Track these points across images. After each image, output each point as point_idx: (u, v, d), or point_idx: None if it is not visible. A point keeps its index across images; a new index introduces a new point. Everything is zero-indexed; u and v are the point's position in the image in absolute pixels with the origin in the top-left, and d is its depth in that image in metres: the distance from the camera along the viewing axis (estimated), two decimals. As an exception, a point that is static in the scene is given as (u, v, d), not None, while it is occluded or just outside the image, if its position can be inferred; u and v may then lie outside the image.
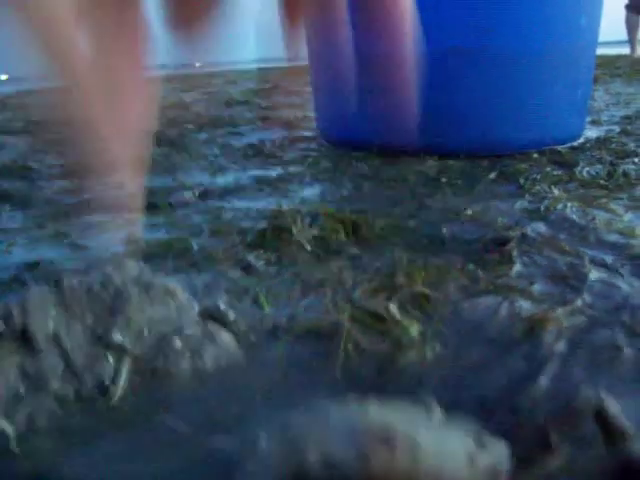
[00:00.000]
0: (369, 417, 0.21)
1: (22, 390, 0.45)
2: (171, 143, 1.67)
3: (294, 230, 0.78)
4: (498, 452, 0.26)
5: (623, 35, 6.08)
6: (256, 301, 0.62)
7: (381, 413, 0.22)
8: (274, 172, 1.27)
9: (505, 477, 0.26)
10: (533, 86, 1.26)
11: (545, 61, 1.25)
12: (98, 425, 0.44)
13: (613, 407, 0.39)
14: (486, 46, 1.20)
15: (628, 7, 5.88)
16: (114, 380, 0.48)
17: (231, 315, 0.56)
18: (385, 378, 0.48)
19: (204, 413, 0.45)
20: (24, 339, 0.47)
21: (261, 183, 1.17)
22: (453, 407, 0.37)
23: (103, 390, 0.47)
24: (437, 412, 0.33)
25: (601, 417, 0.38)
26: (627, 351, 0.52)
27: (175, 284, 0.54)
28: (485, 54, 1.20)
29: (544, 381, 0.47)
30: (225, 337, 0.53)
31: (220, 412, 0.44)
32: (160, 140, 1.65)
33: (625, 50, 6.23)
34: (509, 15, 1.21)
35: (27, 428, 0.43)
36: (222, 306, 0.57)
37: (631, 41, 6.01)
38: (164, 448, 0.41)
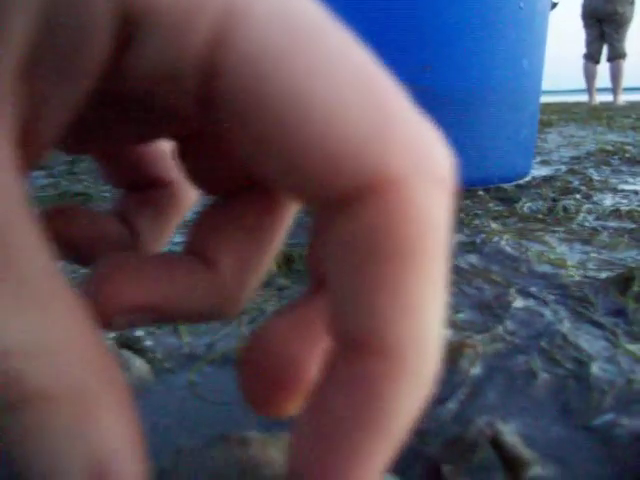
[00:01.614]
0: (247, 460, 0.21)
1: None
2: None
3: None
4: None
5: (582, 84, 6.27)
6: (175, 330, 0.61)
7: (263, 453, 0.22)
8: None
9: None
10: (475, 126, 1.28)
11: (487, 102, 1.28)
12: None
13: (509, 436, 0.39)
14: (425, 85, 1.22)
15: (586, 56, 6.12)
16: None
17: (147, 342, 0.56)
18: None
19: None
20: None
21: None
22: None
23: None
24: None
25: (498, 446, 0.38)
26: (542, 376, 0.52)
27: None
28: (425, 93, 1.21)
29: (452, 405, 0.47)
30: (138, 364, 0.53)
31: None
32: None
33: (584, 98, 6.41)
34: (446, 53, 1.23)
35: None
36: (139, 333, 0.57)
37: (589, 89, 6.22)
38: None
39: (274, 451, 0.22)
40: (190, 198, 0.27)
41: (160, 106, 0.18)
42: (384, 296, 0.15)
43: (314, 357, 0.19)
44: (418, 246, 0.15)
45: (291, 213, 0.23)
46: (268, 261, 0.23)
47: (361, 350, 0.16)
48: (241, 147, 0.16)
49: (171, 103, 0.17)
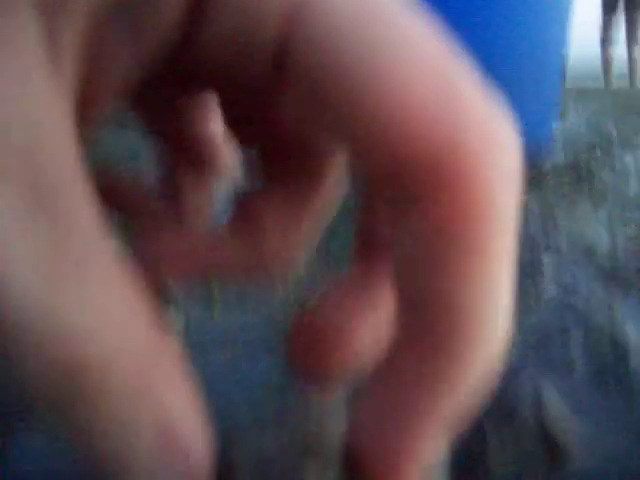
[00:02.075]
0: (307, 424, 0.22)
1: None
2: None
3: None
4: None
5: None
6: (208, 307, 0.61)
7: (321, 417, 0.22)
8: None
9: None
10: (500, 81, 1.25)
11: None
12: None
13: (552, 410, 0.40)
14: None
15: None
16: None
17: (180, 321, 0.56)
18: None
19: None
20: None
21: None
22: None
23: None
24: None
25: (544, 433, 0.38)
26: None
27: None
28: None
29: None
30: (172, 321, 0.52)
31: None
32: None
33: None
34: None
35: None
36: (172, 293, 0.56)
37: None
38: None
39: (328, 418, 0.22)
40: (234, 163, 0.27)
41: (225, 71, 0.18)
42: (456, 285, 0.15)
43: (361, 331, 0.20)
44: (491, 236, 0.15)
45: (343, 187, 0.23)
46: (317, 233, 0.23)
47: (434, 337, 0.16)
48: (309, 114, 0.16)
49: (238, 69, 0.17)
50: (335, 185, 0.23)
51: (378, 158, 0.15)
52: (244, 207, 0.23)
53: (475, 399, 0.16)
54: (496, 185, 0.15)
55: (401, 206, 0.16)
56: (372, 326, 0.20)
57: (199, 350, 0.54)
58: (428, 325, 0.16)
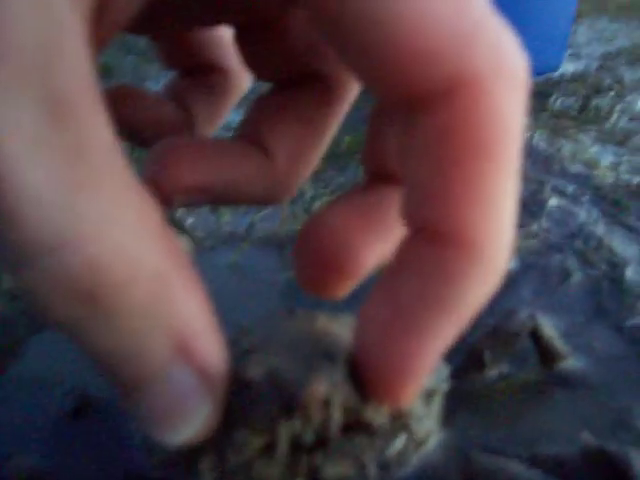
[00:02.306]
0: (315, 331, 0.21)
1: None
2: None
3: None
4: (437, 374, 0.25)
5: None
6: (215, 209, 0.62)
7: (329, 327, 0.22)
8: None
9: (441, 397, 0.26)
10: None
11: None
12: None
13: (547, 329, 0.40)
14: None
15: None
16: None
17: (188, 221, 0.57)
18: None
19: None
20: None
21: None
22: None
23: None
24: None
25: (536, 337, 0.40)
26: (577, 276, 0.53)
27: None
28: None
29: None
30: (181, 242, 0.54)
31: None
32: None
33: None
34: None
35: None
36: (178, 213, 0.58)
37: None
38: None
39: (337, 327, 0.22)
40: (244, 84, 0.27)
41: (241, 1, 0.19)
42: (465, 189, 0.16)
43: (368, 245, 0.20)
44: (497, 143, 0.15)
45: (345, 107, 0.24)
46: (320, 152, 0.24)
47: (439, 239, 0.16)
48: (323, 33, 0.16)
49: None
50: (340, 106, 0.23)
51: (393, 71, 0.15)
52: (251, 128, 0.23)
53: (476, 308, 0.17)
54: (504, 97, 0.15)
55: (413, 115, 0.16)
56: (378, 238, 0.20)
57: (206, 251, 0.55)
58: (435, 234, 0.16)
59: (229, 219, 0.60)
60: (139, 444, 0.29)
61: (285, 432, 0.20)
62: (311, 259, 0.21)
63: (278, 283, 0.49)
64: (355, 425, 0.21)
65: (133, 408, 0.16)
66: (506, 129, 0.15)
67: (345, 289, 0.21)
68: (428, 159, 0.16)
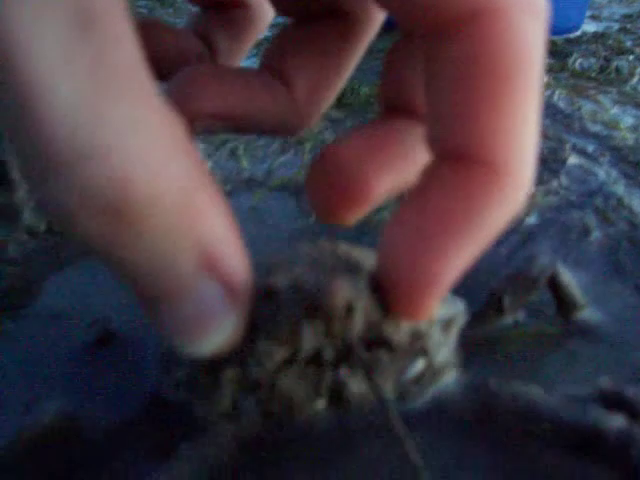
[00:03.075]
0: (338, 252, 0.22)
1: (-8, 218, 0.46)
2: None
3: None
4: (454, 306, 0.26)
5: None
6: (234, 154, 0.62)
7: (350, 251, 0.22)
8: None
9: (458, 329, 0.26)
10: None
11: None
12: (68, 256, 0.45)
13: (566, 277, 0.40)
14: None
15: None
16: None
17: (207, 165, 0.57)
18: (359, 232, 0.49)
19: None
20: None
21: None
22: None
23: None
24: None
25: (554, 284, 0.40)
26: (595, 234, 0.53)
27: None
28: None
29: (507, 246, 0.50)
30: None
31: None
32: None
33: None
34: None
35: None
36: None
37: None
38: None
39: (359, 252, 0.23)
40: (266, 18, 0.27)
41: None
42: (489, 113, 0.16)
43: (379, 174, 0.21)
44: (520, 69, 0.16)
45: (363, 44, 0.24)
46: (339, 85, 0.24)
47: (464, 162, 0.17)
48: None
49: None
50: (359, 43, 0.24)
51: (418, 10, 0.16)
52: (273, 60, 0.24)
53: (499, 229, 0.17)
54: (526, 26, 0.16)
55: (438, 44, 0.16)
56: (389, 168, 0.21)
57: (224, 195, 0.58)
58: (460, 157, 0.17)
59: (248, 165, 0.59)
60: (159, 369, 0.30)
61: (308, 334, 0.20)
62: (323, 186, 0.21)
63: (295, 229, 0.49)
64: (376, 343, 0.21)
65: (160, 323, 0.16)
66: (528, 56, 0.16)
67: (356, 217, 0.21)
68: (453, 86, 0.16)
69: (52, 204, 0.13)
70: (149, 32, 0.23)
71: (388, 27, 0.24)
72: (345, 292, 0.19)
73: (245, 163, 0.60)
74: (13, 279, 0.42)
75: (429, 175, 0.18)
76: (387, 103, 0.22)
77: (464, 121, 0.16)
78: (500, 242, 0.49)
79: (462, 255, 0.17)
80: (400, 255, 0.17)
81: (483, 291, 0.39)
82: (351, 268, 0.20)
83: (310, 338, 0.20)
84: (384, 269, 0.18)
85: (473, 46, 0.16)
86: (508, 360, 0.37)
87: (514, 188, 0.17)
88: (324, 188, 0.21)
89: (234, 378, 0.22)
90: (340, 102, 0.78)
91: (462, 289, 0.27)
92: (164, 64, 0.24)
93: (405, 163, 0.21)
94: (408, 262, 0.17)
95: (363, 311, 0.20)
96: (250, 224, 0.49)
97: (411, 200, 0.18)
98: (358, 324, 0.20)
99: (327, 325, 0.20)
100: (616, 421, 0.24)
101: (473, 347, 0.33)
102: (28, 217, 0.47)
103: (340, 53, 0.23)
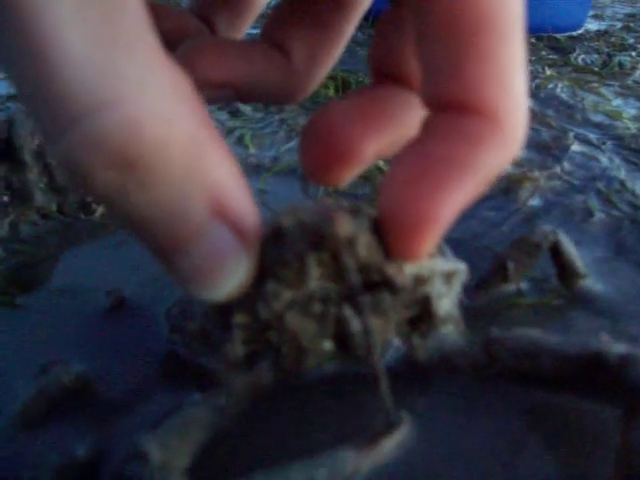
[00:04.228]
0: (340, 204, 0.22)
1: (6, 199, 0.47)
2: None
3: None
4: (456, 264, 0.26)
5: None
6: (241, 141, 0.63)
7: (352, 203, 0.22)
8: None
9: (460, 284, 0.26)
10: None
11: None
12: (78, 236, 0.46)
13: (568, 245, 0.41)
14: None
15: None
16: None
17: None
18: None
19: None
20: (9, 153, 0.47)
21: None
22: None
23: (85, 206, 0.49)
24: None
25: (556, 252, 0.40)
26: (598, 215, 0.53)
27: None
28: None
29: (509, 225, 0.50)
30: None
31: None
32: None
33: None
34: None
35: (10, 235, 0.46)
36: None
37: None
38: (145, 257, 0.46)
39: (360, 204, 0.23)
40: None
41: None
42: (479, 63, 0.17)
43: (368, 137, 0.21)
44: (503, 22, 0.17)
45: (357, 16, 0.25)
46: (335, 54, 0.25)
47: (460, 112, 0.18)
48: None
49: None
50: (353, 15, 0.24)
51: None
52: (272, 31, 0.24)
53: (495, 172, 0.18)
54: None
55: (428, 4, 0.17)
56: (379, 131, 0.22)
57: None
58: (455, 108, 0.18)
59: (255, 151, 0.61)
60: (167, 326, 0.32)
61: (314, 265, 0.21)
62: (314, 148, 0.22)
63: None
64: (379, 284, 0.22)
65: (177, 272, 0.17)
66: (509, 7, 0.17)
67: (346, 178, 0.22)
68: (442, 42, 0.17)
69: (68, 157, 0.14)
70: (150, 13, 0.24)
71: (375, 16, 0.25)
72: (348, 222, 0.20)
73: (253, 150, 0.61)
74: (25, 257, 0.43)
75: (426, 127, 0.19)
76: (377, 70, 0.23)
77: (455, 73, 0.17)
78: (503, 222, 0.50)
79: (458, 196, 0.17)
80: (400, 196, 0.18)
81: (487, 264, 0.40)
82: (354, 210, 0.21)
83: (316, 270, 0.21)
84: (384, 210, 0.19)
85: (458, 1, 0.17)
86: (509, 329, 0.37)
87: (507, 132, 0.18)
88: (315, 150, 0.22)
89: (244, 322, 0.22)
90: (346, 92, 0.78)
91: (466, 261, 0.27)
92: (165, 45, 0.23)
93: (393, 126, 0.22)
94: (407, 202, 0.18)
95: (366, 246, 0.20)
96: (257, 206, 0.50)
97: (410, 148, 0.19)
98: (361, 256, 0.21)
99: (332, 257, 0.20)
100: (618, 347, 0.25)
101: (475, 315, 0.35)
102: (39, 198, 0.48)
103: (336, 23, 0.24)
